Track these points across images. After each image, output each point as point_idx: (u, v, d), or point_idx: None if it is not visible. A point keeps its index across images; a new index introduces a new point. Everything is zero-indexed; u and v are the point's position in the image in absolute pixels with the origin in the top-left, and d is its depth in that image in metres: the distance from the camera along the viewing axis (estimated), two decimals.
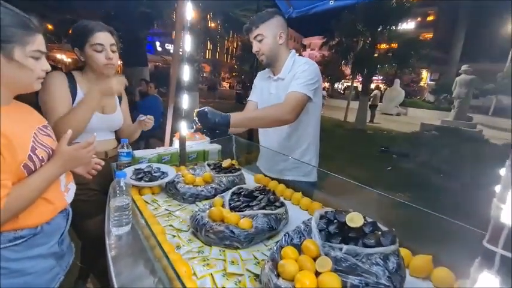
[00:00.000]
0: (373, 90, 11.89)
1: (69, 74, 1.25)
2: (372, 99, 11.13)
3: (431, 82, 21.25)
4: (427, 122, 9.17)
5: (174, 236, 0.91)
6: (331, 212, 0.79)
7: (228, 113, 1.18)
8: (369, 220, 0.75)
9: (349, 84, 12.05)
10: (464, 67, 8.33)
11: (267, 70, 1.51)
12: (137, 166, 1.31)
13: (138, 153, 1.43)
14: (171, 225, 0.97)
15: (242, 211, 0.95)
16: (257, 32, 1.33)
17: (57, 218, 0.88)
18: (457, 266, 0.75)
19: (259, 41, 1.35)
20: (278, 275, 0.65)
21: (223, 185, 1.24)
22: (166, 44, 17.11)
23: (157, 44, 17.88)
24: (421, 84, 23.32)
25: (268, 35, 1.33)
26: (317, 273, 0.64)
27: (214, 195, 1.16)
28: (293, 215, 1.07)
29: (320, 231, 0.74)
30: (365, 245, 0.66)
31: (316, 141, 1.49)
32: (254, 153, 1.85)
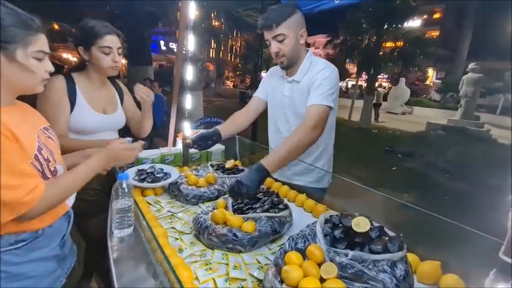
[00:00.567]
0: (376, 88, 11.78)
1: (68, 76, 1.24)
2: (375, 97, 11.03)
3: (438, 80, 20.96)
4: (433, 121, 9.05)
5: (177, 239, 0.90)
6: (337, 215, 0.77)
7: (260, 163, 1.00)
8: (376, 225, 0.72)
9: (354, 83, 11.94)
10: (471, 65, 8.19)
11: (279, 68, 1.39)
12: (140, 167, 1.31)
13: (141, 153, 1.43)
14: (173, 228, 0.96)
15: (245, 213, 0.94)
16: (278, 32, 1.18)
17: (59, 221, 0.88)
18: (466, 273, 0.73)
19: (280, 41, 1.20)
20: (282, 281, 0.64)
21: (226, 186, 1.22)
22: (171, 43, 17.14)
23: (162, 43, 17.94)
24: (427, 82, 23.04)
25: (290, 34, 1.20)
26: (322, 280, 0.62)
27: (218, 197, 1.15)
28: (297, 217, 1.05)
29: (325, 235, 0.72)
30: (371, 251, 0.65)
31: (330, 147, 1.42)
32: (258, 154, 1.83)
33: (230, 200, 1.01)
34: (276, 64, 1.38)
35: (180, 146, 1.59)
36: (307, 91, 1.25)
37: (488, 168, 3.53)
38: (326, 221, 0.77)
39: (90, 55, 1.22)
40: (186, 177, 1.24)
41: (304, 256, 0.69)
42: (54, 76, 1.23)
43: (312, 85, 1.23)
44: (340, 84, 1.54)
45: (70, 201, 0.93)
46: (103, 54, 1.21)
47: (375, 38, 9.19)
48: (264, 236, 0.88)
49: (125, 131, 1.49)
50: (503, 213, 0.44)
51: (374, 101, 10.55)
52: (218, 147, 1.69)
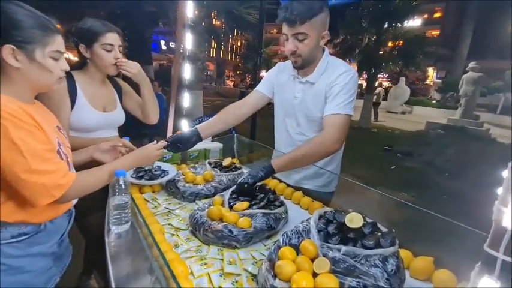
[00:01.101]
0: (376, 88, 11.77)
1: (68, 74, 1.25)
2: (375, 96, 11.02)
3: (438, 80, 20.95)
4: (432, 121, 9.05)
5: (173, 235, 0.91)
6: (331, 212, 0.78)
7: (267, 163, 1.04)
8: (369, 221, 0.73)
9: None
10: (471, 64, 8.19)
11: (288, 65, 1.29)
12: None
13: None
14: (170, 224, 0.97)
15: (241, 210, 0.94)
16: (300, 30, 1.07)
17: (60, 218, 0.90)
18: (459, 268, 0.73)
19: (300, 41, 1.10)
20: (275, 276, 0.65)
21: (223, 184, 1.23)
22: (171, 43, 17.15)
23: (162, 42, 17.96)
24: (427, 82, 23.02)
25: (312, 35, 1.09)
26: (314, 275, 0.63)
27: (214, 194, 1.16)
28: (293, 214, 1.06)
29: (319, 231, 0.73)
30: (364, 246, 0.65)
31: (341, 151, 1.34)
32: (256, 152, 1.84)
33: (226, 197, 1.02)
34: (280, 60, 1.31)
35: None
36: (323, 94, 1.17)
37: (487, 167, 3.54)
38: (320, 217, 0.78)
39: (91, 53, 1.22)
40: (183, 175, 1.24)
41: (298, 251, 0.70)
42: None
43: (331, 90, 1.14)
44: None
45: (74, 200, 0.95)
46: (105, 52, 1.22)
47: (374, 37, 9.19)
48: (259, 232, 0.88)
49: (124, 130, 1.50)
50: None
51: (373, 100, 10.55)
52: (216, 145, 1.69)
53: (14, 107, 0.70)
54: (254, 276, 0.73)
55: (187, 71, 1.52)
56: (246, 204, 0.96)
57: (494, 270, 0.36)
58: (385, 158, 5.75)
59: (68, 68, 0.85)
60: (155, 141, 1.21)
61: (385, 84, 18.60)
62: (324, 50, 1.21)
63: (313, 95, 1.20)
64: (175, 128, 1.80)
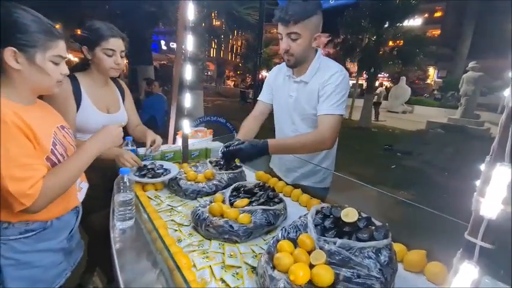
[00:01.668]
0: (377, 87, 11.80)
1: (72, 76, 1.28)
2: (376, 96, 11.05)
3: (439, 79, 20.95)
4: (433, 120, 9.07)
5: (176, 230, 0.94)
6: (327, 207, 0.81)
7: (265, 140, 1.11)
8: (364, 215, 0.76)
9: (354, 82, 11.97)
10: (471, 64, 8.21)
11: (283, 68, 1.36)
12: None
13: (142, 150, 1.47)
14: (172, 220, 1.00)
15: (242, 207, 0.98)
16: (294, 30, 1.13)
17: (67, 215, 0.93)
18: (451, 261, 0.76)
19: (293, 40, 1.16)
20: (273, 267, 0.68)
21: (224, 182, 1.26)
22: (171, 43, 17.19)
23: (163, 42, 17.99)
24: (428, 81, 23.02)
25: (305, 35, 1.15)
26: (311, 266, 0.66)
27: (216, 191, 1.19)
28: (292, 211, 1.09)
29: (316, 225, 0.76)
30: (358, 239, 0.68)
31: (334, 148, 1.41)
32: None
33: (227, 195, 1.05)
34: (278, 63, 1.38)
35: (179, 143, 1.63)
36: (316, 93, 1.23)
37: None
38: (317, 212, 0.81)
39: (93, 55, 1.26)
40: (185, 173, 1.28)
41: (296, 245, 0.73)
42: None
43: (324, 90, 1.20)
44: None
45: (81, 196, 0.98)
46: (106, 56, 1.25)
47: (375, 37, 9.21)
48: (259, 227, 0.92)
49: (126, 131, 1.54)
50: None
51: (374, 100, 10.58)
52: (217, 144, 1.73)
53: (5, 108, 0.72)
54: (254, 268, 0.76)
55: (188, 72, 1.55)
56: (246, 201, 1.00)
57: (473, 256, 0.39)
58: (385, 158, 5.78)
59: (67, 72, 0.88)
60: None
61: (386, 83, 18.58)
62: (316, 51, 1.27)
63: (306, 93, 1.26)
64: (177, 128, 1.83)
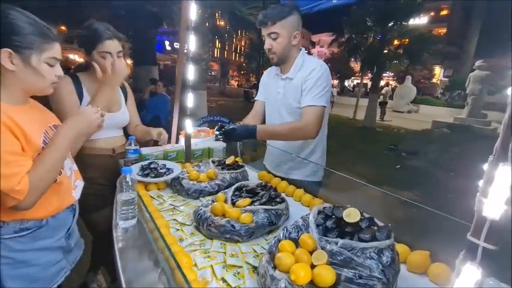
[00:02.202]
0: (382, 87, 11.72)
1: (74, 76, 1.30)
2: (381, 96, 10.97)
3: (445, 78, 20.70)
4: (439, 120, 8.97)
5: (178, 230, 0.94)
6: (329, 207, 0.81)
7: (254, 125, 1.25)
8: (366, 216, 0.76)
9: (359, 81, 11.89)
10: (478, 63, 8.10)
11: (274, 68, 1.49)
12: (144, 163, 1.35)
13: (145, 150, 1.48)
14: (175, 220, 1.00)
15: (243, 206, 0.98)
16: (273, 30, 1.27)
17: (63, 213, 0.93)
18: (455, 262, 0.75)
19: (273, 39, 1.29)
20: (275, 267, 0.68)
21: (226, 181, 1.26)
22: (175, 43, 17.27)
23: (167, 43, 18.08)
24: (434, 80, 22.74)
25: (283, 34, 1.28)
26: (313, 266, 0.65)
27: (218, 191, 1.19)
28: (294, 211, 1.09)
29: (317, 226, 0.75)
30: (360, 240, 0.68)
31: (324, 142, 1.49)
32: (259, 151, 1.87)
33: (229, 194, 1.05)
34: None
35: (182, 143, 1.64)
36: (299, 88, 1.33)
37: None
38: (319, 212, 0.81)
39: (91, 59, 1.27)
40: (187, 173, 1.28)
41: (297, 245, 0.73)
42: (63, 78, 1.29)
43: (306, 83, 1.30)
44: (345, 83, 1.61)
45: (76, 194, 0.99)
46: (102, 59, 1.26)
47: (380, 36, 9.14)
48: (260, 227, 0.91)
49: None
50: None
51: (380, 100, 10.50)
52: (219, 144, 1.73)
53: None
54: (255, 268, 0.76)
55: (191, 72, 1.56)
56: (248, 200, 1.00)
57: (476, 257, 0.38)
58: (389, 157, 5.73)
59: (62, 74, 0.89)
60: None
61: (391, 83, 18.43)
62: (300, 50, 1.38)
63: (292, 89, 1.36)
64: (180, 127, 1.84)
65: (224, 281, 0.72)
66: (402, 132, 8.99)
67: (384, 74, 12.31)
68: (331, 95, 1.54)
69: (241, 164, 1.42)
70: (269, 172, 1.50)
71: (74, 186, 0.98)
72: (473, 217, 0.40)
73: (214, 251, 0.83)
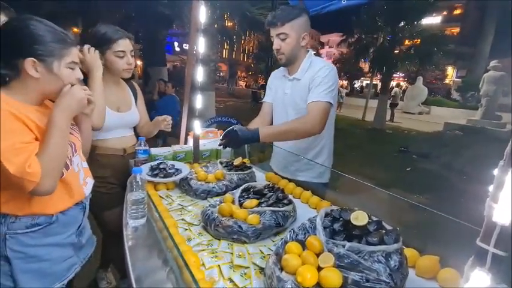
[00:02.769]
0: (393, 88, 11.54)
1: (85, 79, 1.33)
2: (392, 97, 10.81)
3: (458, 79, 20.21)
4: (451, 121, 8.75)
5: (186, 229, 0.96)
6: (337, 210, 0.80)
7: (256, 128, 1.21)
8: (374, 219, 0.75)
9: (368, 82, 11.74)
10: (493, 63, 7.87)
11: (281, 69, 1.49)
12: (153, 163, 1.38)
13: (154, 150, 1.50)
14: (183, 219, 1.02)
15: (251, 207, 0.98)
16: (281, 30, 1.29)
17: (73, 210, 0.96)
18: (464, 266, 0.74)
19: (282, 40, 1.31)
20: (281, 269, 0.68)
21: (234, 182, 1.27)
22: (184, 44, 17.45)
23: (176, 44, 18.30)
24: (446, 81, 22.23)
25: (292, 35, 1.29)
26: (320, 269, 0.66)
27: (225, 192, 1.20)
28: (301, 213, 1.09)
29: (325, 228, 0.75)
30: (368, 243, 0.67)
31: (330, 143, 1.48)
32: (267, 152, 1.87)
33: (237, 195, 1.06)
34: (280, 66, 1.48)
35: (191, 144, 1.66)
36: (307, 88, 1.33)
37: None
38: (326, 215, 0.81)
39: (105, 59, 1.30)
40: (196, 173, 1.30)
41: (304, 247, 0.73)
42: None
43: (313, 82, 1.31)
44: (354, 83, 1.60)
45: (87, 190, 1.01)
46: (118, 58, 1.30)
47: (390, 36, 9.00)
48: (267, 228, 0.92)
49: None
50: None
51: (390, 101, 10.34)
52: None
53: (3, 102, 0.75)
54: (262, 269, 0.76)
55: (200, 73, 1.58)
56: (255, 201, 1.00)
57: (486, 263, 0.38)
58: (400, 160, 5.64)
59: (81, 77, 0.92)
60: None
61: (402, 84, 18.11)
62: (308, 51, 1.39)
63: (299, 89, 1.37)
64: (188, 128, 1.86)
65: (231, 281, 0.72)
66: (413, 134, 8.82)
67: (394, 75, 12.10)
68: (339, 96, 1.53)
69: (248, 165, 1.43)
70: (276, 174, 1.50)
71: (85, 183, 1.01)
72: (483, 221, 0.40)
73: (221, 251, 0.84)
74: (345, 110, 12.75)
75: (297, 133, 1.27)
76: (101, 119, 1.26)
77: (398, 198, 1.16)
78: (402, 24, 8.67)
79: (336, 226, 0.75)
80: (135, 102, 1.52)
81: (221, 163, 1.41)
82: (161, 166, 1.34)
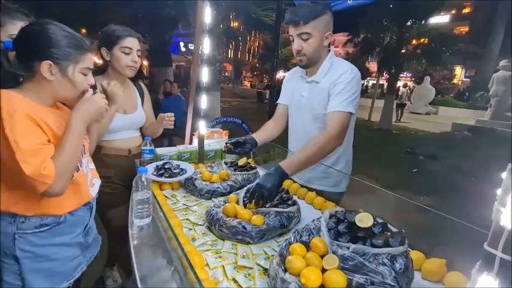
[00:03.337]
0: (399, 88, 11.41)
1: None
2: (399, 98, 10.69)
3: (466, 79, 19.87)
4: (459, 122, 8.60)
5: (190, 229, 0.96)
6: (341, 211, 0.80)
7: (278, 166, 1.04)
8: (379, 221, 0.74)
9: (374, 82, 11.62)
10: (502, 63, 7.73)
11: (299, 69, 1.38)
12: (159, 163, 1.39)
13: (159, 150, 1.52)
14: (187, 219, 1.02)
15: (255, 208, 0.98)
16: (304, 30, 1.16)
17: (81, 211, 0.97)
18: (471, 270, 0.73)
19: (304, 40, 1.18)
20: (285, 270, 0.68)
21: (238, 183, 1.28)
22: (190, 45, 17.52)
23: (181, 44, 18.41)
24: (455, 81, 21.86)
25: (316, 34, 1.17)
26: (324, 270, 0.65)
27: (230, 192, 1.21)
28: (306, 214, 1.08)
29: (329, 229, 0.75)
30: (373, 245, 0.67)
31: (349, 150, 1.40)
32: (271, 152, 1.87)
33: (241, 195, 1.06)
34: (294, 65, 1.39)
35: (196, 144, 1.67)
36: (327, 93, 1.23)
37: None
38: (331, 216, 0.80)
39: (111, 55, 1.32)
40: (200, 173, 1.30)
41: (308, 248, 0.73)
42: None
43: (334, 88, 1.20)
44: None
45: (94, 192, 1.03)
46: (123, 54, 1.32)
47: (397, 35, 8.89)
48: (271, 229, 0.92)
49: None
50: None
51: (398, 101, 10.23)
52: None
53: (18, 103, 0.77)
54: (265, 269, 0.76)
55: (205, 73, 1.59)
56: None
57: (493, 268, 0.37)
58: (406, 161, 5.57)
59: (93, 82, 0.95)
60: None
61: (409, 84, 17.88)
62: (329, 51, 1.28)
63: (318, 93, 1.26)
64: (194, 128, 1.88)
65: (235, 281, 0.73)
66: (420, 134, 8.70)
67: (401, 75, 11.95)
68: None
69: (253, 165, 1.43)
70: (290, 178, 1.43)
71: (92, 184, 1.03)
72: (491, 224, 0.39)
73: (225, 252, 0.84)
74: None
75: (321, 155, 1.15)
76: (101, 136, 1.30)
77: (404, 200, 1.15)
78: (409, 23, 8.55)
79: (341, 228, 0.75)
80: (142, 103, 1.54)
81: (226, 163, 1.41)
82: (166, 166, 1.35)
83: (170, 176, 1.28)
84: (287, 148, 1.53)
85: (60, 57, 0.83)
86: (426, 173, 4.83)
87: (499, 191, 0.38)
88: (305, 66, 1.28)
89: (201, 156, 1.61)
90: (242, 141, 1.31)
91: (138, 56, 1.36)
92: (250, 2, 6.03)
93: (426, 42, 8.99)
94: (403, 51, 9.00)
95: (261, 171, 1.50)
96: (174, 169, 1.33)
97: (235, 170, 1.36)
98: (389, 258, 0.63)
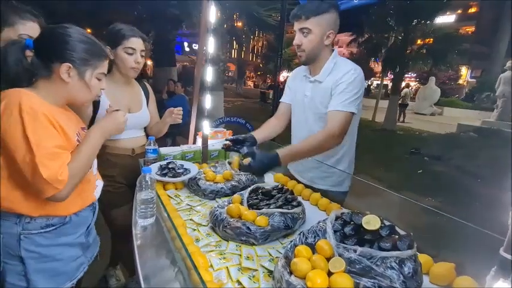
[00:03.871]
0: (403, 88, 11.32)
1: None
2: (401, 98, 10.60)
3: (472, 80, 19.64)
4: (464, 123, 8.50)
5: (194, 230, 0.96)
6: (348, 213, 0.79)
7: (275, 152, 1.09)
8: (387, 223, 0.73)
9: (378, 82, 11.54)
10: (509, 63, 7.60)
11: (302, 68, 1.40)
12: (162, 162, 1.39)
13: (163, 150, 1.51)
14: (191, 220, 1.02)
15: (259, 209, 0.97)
16: (305, 25, 1.18)
17: (85, 211, 0.98)
18: (482, 276, 0.71)
19: (304, 35, 1.20)
20: (291, 273, 0.67)
21: (242, 183, 1.27)
22: (194, 44, 17.57)
23: (185, 44, 18.45)
24: (460, 81, 21.63)
25: (316, 31, 1.19)
26: (330, 274, 0.64)
27: (234, 193, 1.19)
28: (310, 215, 1.07)
29: (335, 232, 0.74)
30: (380, 248, 0.65)
31: (352, 150, 1.39)
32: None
33: (245, 196, 1.05)
34: (298, 65, 1.40)
35: (199, 143, 1.67)
36: (329, 92, 1.23)
37: None
38: (337, 218, 0.79)
39: (115, 55, 1.32)
40: (204, 173, 1.30)
41: (314, 250, 0.71)
42: None
43: (337, 87, 1.21)
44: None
45: (97, 193, 1.03)
46: (127, 55, 1.31)
47: (402, 35, 8.82)
48: (276, 230, 0.91)
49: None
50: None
51: (400, 102, 10.15)
52: None
53: (36, 102, 0.78)
54: (270, 272, 0.75)
55: (209, 73, 1.58)
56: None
57: (510, 274, 0.36)
58: (411, 162, 5.51)
59: (105, 87, 0.97)
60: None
61: (413, 84, 17.74)
62: (333, 51, 1.28)
63: (321, 92, 1.27)
64: (197, 128, 1.87)
65: (239, 283, 0.72)
66: (425, 135, 8.62)
67: (406, 75, 11.84)
68: None
69: None
70: (293, 178, 1.43)
71: (95, 185, 1.03)
72: (503, 229, 0.38)
73: (229, 253, 0.83)
74: None
75: (318, 149, 1.18)
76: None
77: (410, 202, 1.13)
78: (414, 23, 8.47)
79: (347, 230, 0.74)
80: (147, 102, 1.53)
81: (230, 163, 1.41)
82: (170, 166, 1.34)
83: (174, 176, 1.27)
84: None
85: (80, 61, 0.86)
86: (431, 174, 4.78)
87: None
88: (305, 63, 1.31)
89: (204, 156, 1.60)
90: (242, 138, 1.31)
91: (142, 56, 1.36)
92: (253, 2, 6.02)
93: (431, 42, 8.90)
94: (407, 51, 8.92)
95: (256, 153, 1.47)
96: (178, 169, 1.32)
97: (239, 170, 1.34)
98: (397, 261, 0.62)
